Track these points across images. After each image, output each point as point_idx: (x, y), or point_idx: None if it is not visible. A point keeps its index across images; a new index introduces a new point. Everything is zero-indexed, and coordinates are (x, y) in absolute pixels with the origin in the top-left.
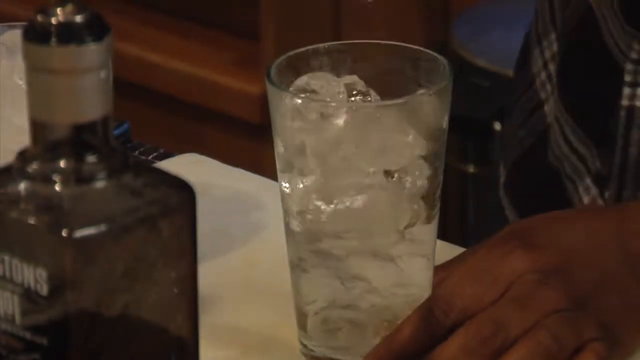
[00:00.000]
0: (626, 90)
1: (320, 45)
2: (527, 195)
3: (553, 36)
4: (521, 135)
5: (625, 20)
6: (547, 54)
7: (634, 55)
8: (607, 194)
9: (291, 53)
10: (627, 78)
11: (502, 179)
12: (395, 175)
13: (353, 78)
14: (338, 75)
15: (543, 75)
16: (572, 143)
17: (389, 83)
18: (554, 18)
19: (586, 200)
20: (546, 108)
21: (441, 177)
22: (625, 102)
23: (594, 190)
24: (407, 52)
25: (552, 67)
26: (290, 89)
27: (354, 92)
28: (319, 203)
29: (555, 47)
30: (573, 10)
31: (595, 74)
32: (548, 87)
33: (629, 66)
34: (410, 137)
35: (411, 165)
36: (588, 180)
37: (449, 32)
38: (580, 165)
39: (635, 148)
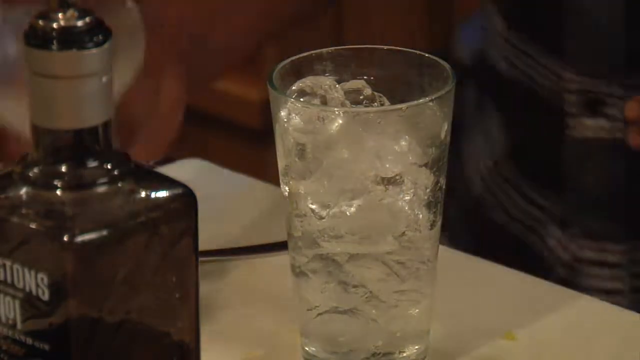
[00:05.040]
0: (571, 122)
1: (324, 49)
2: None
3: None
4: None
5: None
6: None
7: (572, 86)
8: (571, 232)
9: (294, 57)
10: (570, 109)
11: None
12: (393, 182)
13: (360, 83)
14: (341, 80)
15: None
16: (533, 199)
17: (393, 88)
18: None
19: (552, 243)
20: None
21: (443, 184)
22: (572, 134)
23: (558, 233)
24: (411, 57)
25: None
26: (289, 91)
27: (361, 97)
28: (316, 207)
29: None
30: (514, 83)
31: (541, 131)
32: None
33: (570, 97)
34: (406, 144)
35: (408, 173)
36: (553, 227)
37: (452, 39)
38: (541, 216)
39: (590, 177)
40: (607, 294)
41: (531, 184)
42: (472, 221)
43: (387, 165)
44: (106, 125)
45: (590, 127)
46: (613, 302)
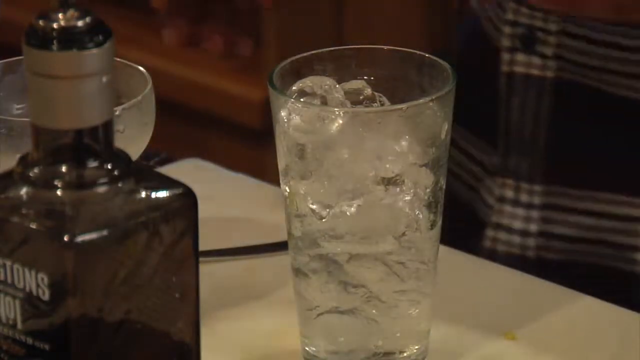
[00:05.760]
0: (505, 56)
1: (324, 50)
2: None
3: None
4: None
5: None
6: None
7: (509, 16)
8: (499, 181)
9: (294, 58)
10: (505, 43)
11: None
12: (393, 182)
13: (360, 83)
14: (342, 80)
15: None
16: (466, 149)
17: (393, 88)
18: None
19: (491, 201)
20: None
21: (443, 184)
22: (504, 69)
23: (497, 191)
24: (411, 57)
25: None
26: (289, 91)
27: (361, 97)
28: (317, 207)
29: None
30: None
31: (480, 69)
32: None
33: (507, 29)
34: (406, 144)
35: (408, 173)
36: (488, 181)
37: (452, 38)
38: (478, 170)
39: (516, 113)
40: (520, 235)
41: (467, 134)
42: None
43: (387, 165)
44: (106, 125)
45: (522, 62)
46: (522, 245)
